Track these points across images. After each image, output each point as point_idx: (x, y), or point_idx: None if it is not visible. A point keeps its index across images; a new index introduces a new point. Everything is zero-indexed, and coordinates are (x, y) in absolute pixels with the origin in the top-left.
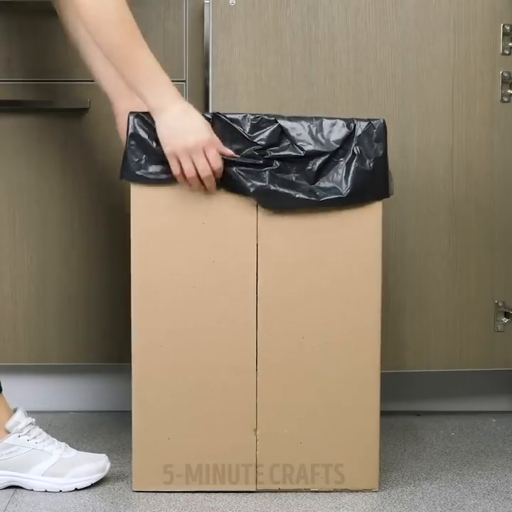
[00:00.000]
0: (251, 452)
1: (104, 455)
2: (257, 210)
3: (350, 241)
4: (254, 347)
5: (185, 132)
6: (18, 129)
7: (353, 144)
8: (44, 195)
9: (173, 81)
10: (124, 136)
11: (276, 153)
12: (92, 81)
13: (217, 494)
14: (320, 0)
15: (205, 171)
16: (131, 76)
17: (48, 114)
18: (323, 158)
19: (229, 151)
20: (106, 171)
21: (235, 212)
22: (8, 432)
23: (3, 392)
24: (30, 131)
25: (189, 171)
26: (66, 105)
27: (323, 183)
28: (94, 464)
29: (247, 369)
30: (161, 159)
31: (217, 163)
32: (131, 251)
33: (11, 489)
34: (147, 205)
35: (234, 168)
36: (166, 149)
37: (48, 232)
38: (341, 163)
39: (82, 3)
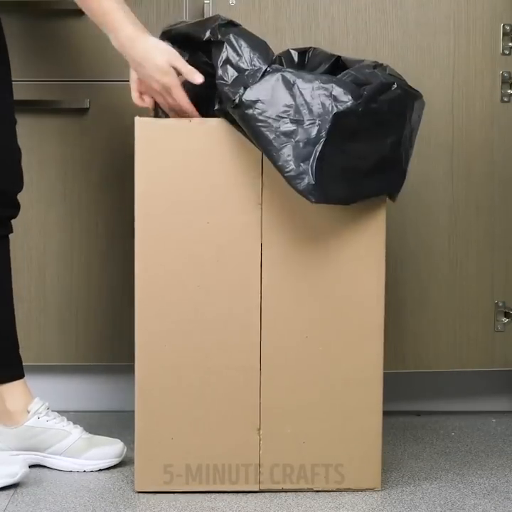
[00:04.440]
0: (254, 452)
1: (18, 466)
2: (261, 209)
3: (354, 241)
4: (258, 347)
5: (150, 78)
6: (18, 129)
7: None
8: (44, 195)
9: None
10: (133, 88)
11: None
12: (92, 81)
13: (217, 494)
14: (320, 0)
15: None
16: (98, 19)
17: (48, 114)
18: None
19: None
20: (106, 170)
21: (239, 211)
22: None
23: None
24: (30, 131)
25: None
26: (66, 105)
27: None
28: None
29: (251, 369)
30: None
31: (182, 105)
32: (135, 251)
33: (11, 489)
34: (152, 205)
35: None
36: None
37: (48, 232)
38: None
39: None
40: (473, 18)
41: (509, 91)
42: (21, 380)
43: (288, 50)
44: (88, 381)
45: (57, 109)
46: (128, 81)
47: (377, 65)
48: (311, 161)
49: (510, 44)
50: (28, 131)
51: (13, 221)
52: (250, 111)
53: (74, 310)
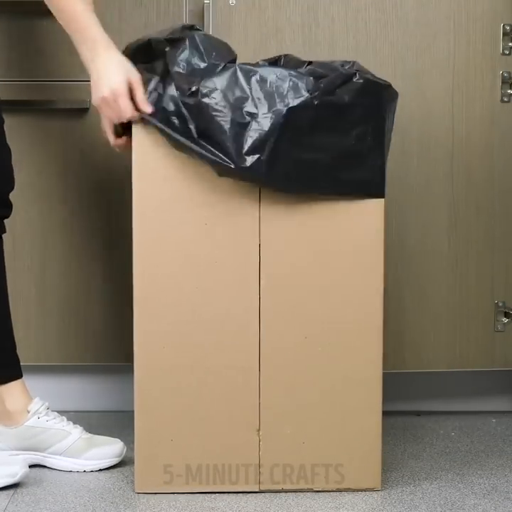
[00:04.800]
0: (254, 452)
1: (18, 466)
2: (259, 210)
3: (353, 240)
4: (257, 347)
5: (105, 98)
6: (18, 129)
7: None
8: (44, 195)
9: None
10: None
11: None
12: None
13: (217, 494)
14: (320, 0)
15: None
16: (67, 29)
17: (48, 114)
18: None
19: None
20: (106, 171)
21: (237, 212)
22: None
23: None
24: (30, 131)
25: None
26: (66, 105)
27: None
28: None
29: (250, 369)
30: None
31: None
32: (133, 252)
33: (11, 489)
34: (149, 206)
35: None
36: (94, 101)
37: (48, 232)
38: None
39: None
40: (473, 18)
41: (509, 91)
42: (20, 380)
43: (258, 62)
44: (88, 381)
45: (58, 109)
46: None
47: (345, 63)
48: (264, 153)
49: (510, 44)
50: (28, 132)
51: (9, 221)
52: (206, 99)
53: (74, 310)
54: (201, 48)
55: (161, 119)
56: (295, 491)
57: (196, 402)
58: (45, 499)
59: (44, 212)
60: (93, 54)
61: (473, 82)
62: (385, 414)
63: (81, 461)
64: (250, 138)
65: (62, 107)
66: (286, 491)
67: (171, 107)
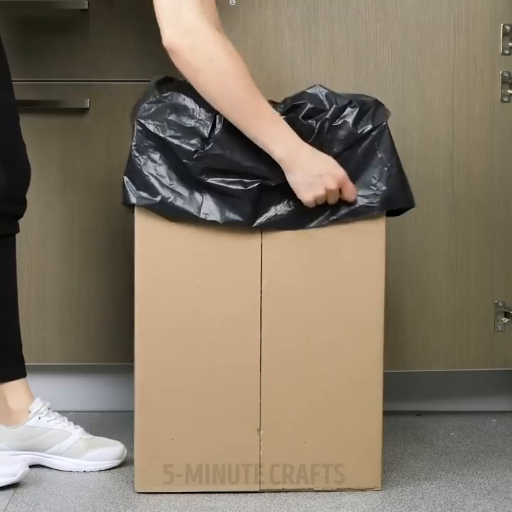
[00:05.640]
0: (254, 452)
1: (18, 466)
2: None
3: (354, 241)
4: (258, 347)
5: (323, 176)
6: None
7: None
8: (44, 195)
9: None
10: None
11: None
12: (92, 81)
13: (217, 494)
14: (320, 0)
15: (335, 201)
16: (255, 130)
17: (48, 114)
18: None
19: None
20: (106, 171)
21: None
22: None
23: None
24: (30, 131)
25: (321, 200)
26: (66, 105)
27: None
28: None
29: (251, 369)
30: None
31: (354, 195)
32: (135, 250)
33: (11, 489)
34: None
35: None
36: (308, 197)
37: (48, 232)
38: None
39: (199, 72)
40: (473, 18)
41: (509, 91)
42: (23, 379)
43: None
44: (88, 381)
45: (57, 109)
46: (128, 81)
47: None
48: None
49: (510, 44)
50: (28, 131)
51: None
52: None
53: (74, 310)
54: (184, 103)
55: None
56: (295, 491)
57: (197, 402)
58: (45, 499)
59: (44, 213)
60: (290, 153)
61: (473, 82)
62: (385, 414)
63: (81, 462)
64: (267, 201)
65: (62, 106)
66: (286, 491)
67: None
